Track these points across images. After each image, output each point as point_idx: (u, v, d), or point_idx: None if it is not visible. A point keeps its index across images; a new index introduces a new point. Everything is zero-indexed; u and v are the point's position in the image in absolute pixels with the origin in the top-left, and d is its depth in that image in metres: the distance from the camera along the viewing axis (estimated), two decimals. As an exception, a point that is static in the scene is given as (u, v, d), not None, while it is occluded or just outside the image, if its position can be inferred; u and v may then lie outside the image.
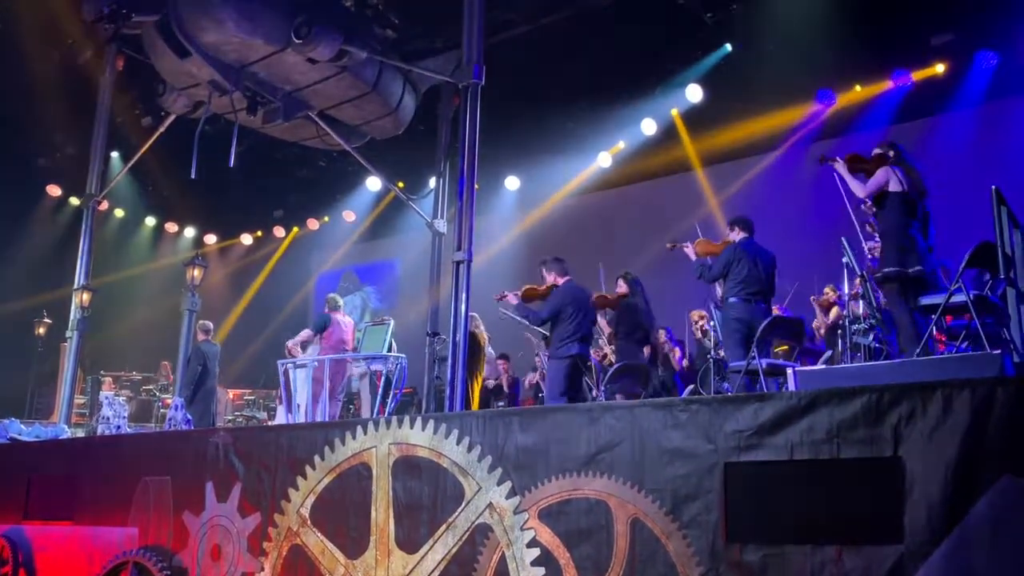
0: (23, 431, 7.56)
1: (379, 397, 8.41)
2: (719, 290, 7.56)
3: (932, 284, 5.68)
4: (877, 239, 6.63)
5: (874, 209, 6.10)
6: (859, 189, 5.93)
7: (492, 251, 13.21)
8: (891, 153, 5.87)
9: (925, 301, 5.56)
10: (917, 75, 10.69)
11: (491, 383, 10.16)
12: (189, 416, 9.00)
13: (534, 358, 10.48)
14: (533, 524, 3.91)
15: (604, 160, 13.56)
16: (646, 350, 8.62)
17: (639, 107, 12.31)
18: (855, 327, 7.01)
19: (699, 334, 9.48)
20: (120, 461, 5.98)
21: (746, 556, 3.32)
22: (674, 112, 12.47)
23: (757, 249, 7.00)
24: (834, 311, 8.51)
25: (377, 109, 9.44)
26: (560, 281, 7.75)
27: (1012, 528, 2.86)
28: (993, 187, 4.61)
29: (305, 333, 9.39)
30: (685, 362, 9.72)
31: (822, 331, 8.87)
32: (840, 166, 6.04)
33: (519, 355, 11.14)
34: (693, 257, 7.46)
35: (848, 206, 6.51)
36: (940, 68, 10.50)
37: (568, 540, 3.80)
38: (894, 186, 5.76)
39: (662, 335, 9.40)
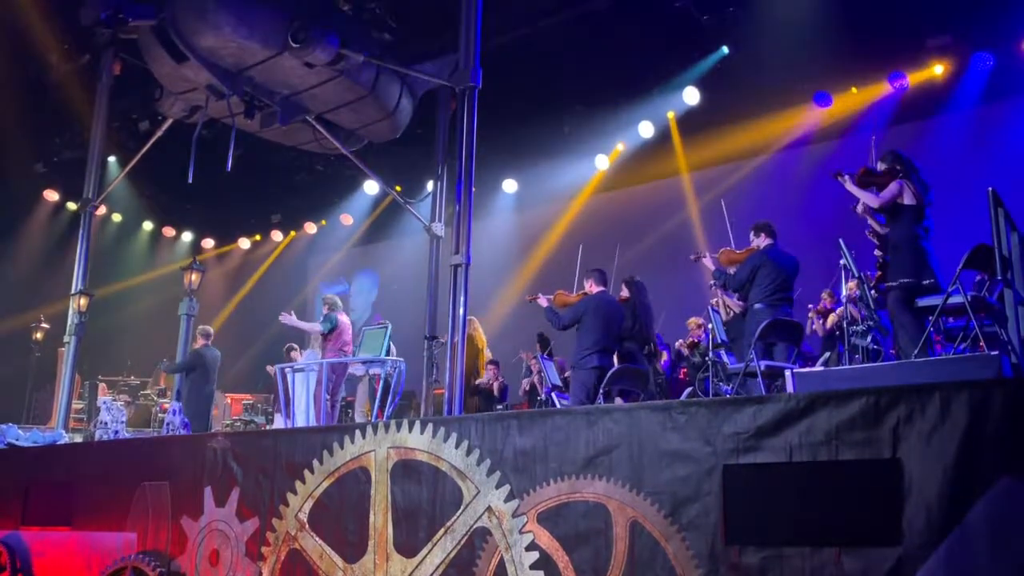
0: (21, 436, 7.53)
1: (377, 401, 8.39)
2: (727, 296, 7.58)
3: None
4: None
5: (868, 216, 6.12)
6: (872, 201, 5.95)
7: (490, 254, 13.21)
8: (898, 167, 5.91)
9: (923, 303, 5.58)
10: (913, 77, 10.70)
11: (482, 384, 10.13)
12: (187, 420, 8.99)
13: (530, 362, 10.46)
14: (532, 527, 3.90)
15: (602, 163, 13.57)
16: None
17: (636, 110, 12.31)
18: (853, 329, 7.01)
19: (685, 349, 9.46)
20: (118, 466, 5.97)
21: (745, 558, 3.32)
22: (670, 115, 12.48)
23: (781, 255, 7.03)
24: (831, 318, 8.53)
25: (374, 113, 9.43)
26: (593, 290, 7.74)
27: (1011, 530, 2.86)
28: (990, 189, 4.61)
29: (314, 327, 9.38)
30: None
31: (814, 328, 8.88)
32: (848, 183, 6.07)
33: (512, 360, 11.10)
34: (713, 267, 7.50)
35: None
36: (937, 70, 10.52)
37: (567, 543, 3.79)
38: (908, 199, 5.83)
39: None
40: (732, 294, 7.87)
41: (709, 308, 8.05)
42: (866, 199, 6.00)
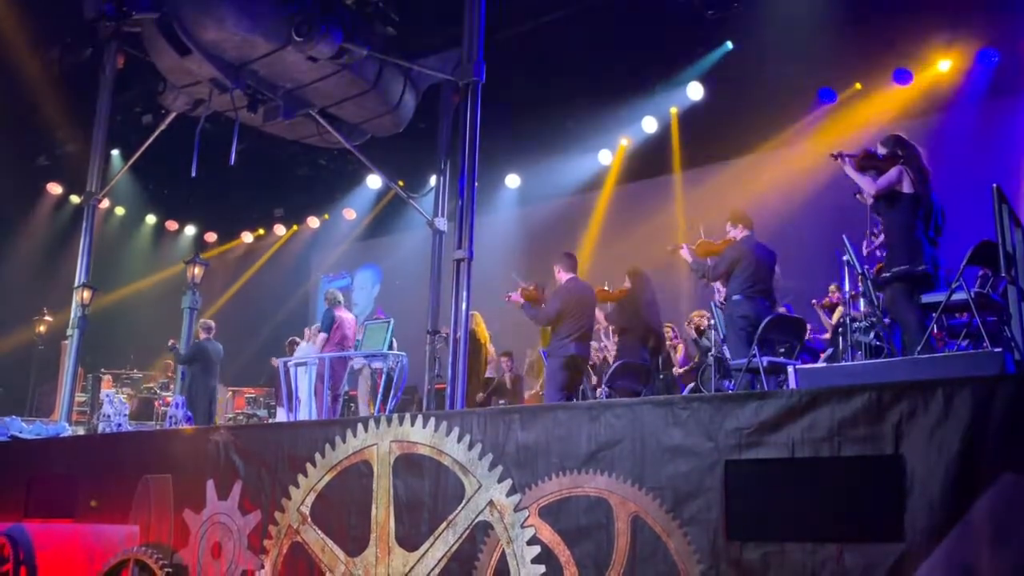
0: (24, 429, 7.55)
1: (379, 395, 8.41)
2: (719, 290, 7.54)
3: (936, 284, 5.66)
4: (878, 240, 6.59)
5: (876, 206, 6.04)
6: (869, 186, 5.85)
7: (493, 249, 13.20)
8: (900, 152, 5.83)
9: (926, 299, 5.56)
10: (919, 73, 10.67)
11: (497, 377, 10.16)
12: (190, 414, 9.01)
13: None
14: (533, 522, 3.91)
15: (605, 158, 13.56)
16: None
17: (640, 105, 12.29)
18: (856, 325, 7.00)
19: (694, 332, 9.47)
20: (121, 459, 5.98)
21: (747, 554, 3.32)
22: (673, 110, 12.45)
23: (759, 246, 7.00)
24: (838, 311, 8.51)
25: (377, 107, 9.43)
26: (564, 278, 7.69)
27: (1013, 526, 2.86)
28: (994, 185, 4.60)
29: (321, 337, 9.36)
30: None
31: (828, 335, 8.85)
32: (847, 166, 5.97)
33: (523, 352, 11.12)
34: (690, 259, 7.44)
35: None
36: (942, 66, 10.49)
37: (568, 538, 3.80)
38: (906, 187, 5.69)
39: (668, 332, 9.38)
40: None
41: (712, 304, 8.04)
42: (863, 184, 5.90)
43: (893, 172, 5.73)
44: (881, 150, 5.94)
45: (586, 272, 13.22)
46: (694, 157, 12.74)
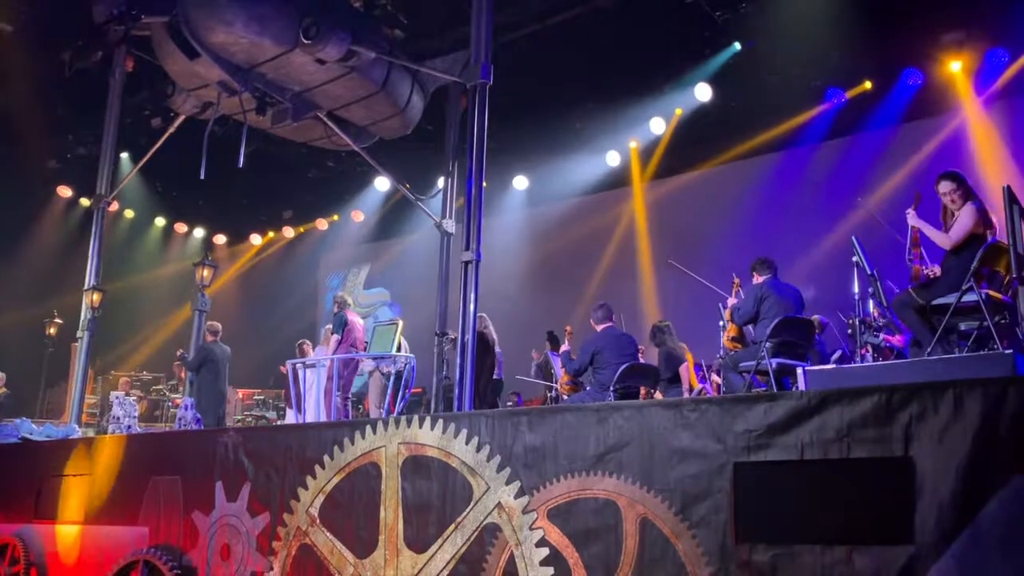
0: (34, 430, 7.59)
1: (388, 397, 8.42)
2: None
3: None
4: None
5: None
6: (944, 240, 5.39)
7: (501, 251, 13.21)
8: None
9: (937, 302, 5.51)
10: (928, 73, 10.63)
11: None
12: (199, 416, 9.03)
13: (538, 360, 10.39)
14: (542, 524, 3.90)
15: (613, 159, 13.56)
16: None
17: (648, 106, 12.28)
18: (865, 327, 6.96)
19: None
20: (131, 461, 6.00)
21: (756, 556, 3.31)
22: (678, 112, 12.43)
23: (782, 286, 6.87)
24: None
25: (385, 109, 9.44)
26: (599, 328, 7.54)
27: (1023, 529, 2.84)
28: (1005, 185, 4.58)
29: (335, 339, 9.36)
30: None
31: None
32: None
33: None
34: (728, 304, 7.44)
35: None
36: (952, 66, 10.44)
37: (577, 540, 3.79)
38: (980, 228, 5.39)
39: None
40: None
41: (720, 306, 8.02)
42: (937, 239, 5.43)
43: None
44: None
45: (592, 272, 13.26)
46: (701, 158, 12.72)
